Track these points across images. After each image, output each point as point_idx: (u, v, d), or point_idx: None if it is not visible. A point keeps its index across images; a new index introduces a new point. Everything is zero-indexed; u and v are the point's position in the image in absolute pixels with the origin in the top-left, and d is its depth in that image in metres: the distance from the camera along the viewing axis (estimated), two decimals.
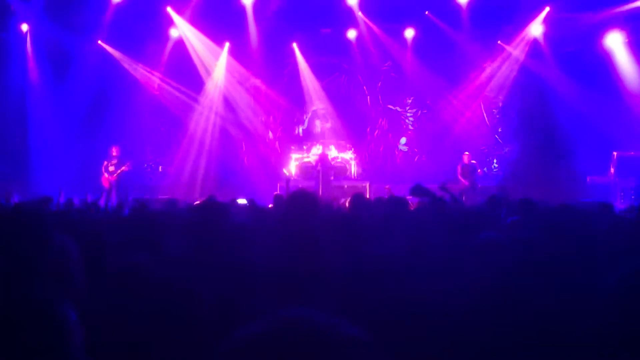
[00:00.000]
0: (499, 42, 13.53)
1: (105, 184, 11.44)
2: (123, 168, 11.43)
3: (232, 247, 2.74)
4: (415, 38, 13.76)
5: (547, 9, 12.67)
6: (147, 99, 13.92)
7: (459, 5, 12.94)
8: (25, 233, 1.77)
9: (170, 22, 13.46)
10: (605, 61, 12.72)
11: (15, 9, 12.37)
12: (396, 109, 14.48)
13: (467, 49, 13.49)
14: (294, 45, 13.98)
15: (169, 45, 13.74)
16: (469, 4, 12.89)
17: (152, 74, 13.84)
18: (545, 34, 13.06)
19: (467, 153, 12.22)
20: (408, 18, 13.43)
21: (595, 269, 2.24)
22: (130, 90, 13.60)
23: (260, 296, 2.32)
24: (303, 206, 2.77)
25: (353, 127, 14.45)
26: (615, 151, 11.83)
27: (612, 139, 12.14)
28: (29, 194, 9.33)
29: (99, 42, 13.08)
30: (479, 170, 12.20)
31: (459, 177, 11.94)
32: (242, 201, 7.56)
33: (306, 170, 13.93)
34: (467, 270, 2.22)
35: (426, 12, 13.20)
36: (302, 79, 14.27)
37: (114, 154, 11.58)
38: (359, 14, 13.40)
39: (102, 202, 8.82)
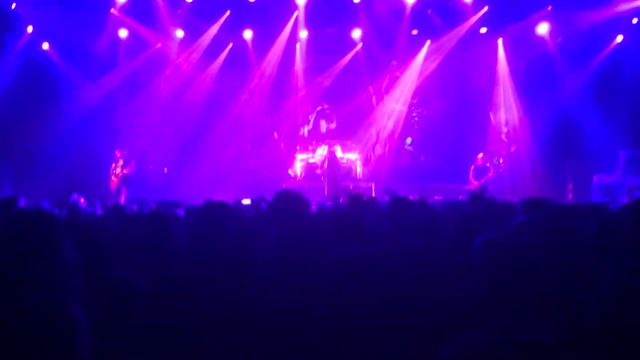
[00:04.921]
0: (499, 40, 13.47)
1: (113, 187, 11.52)
2: (124, 171, 11.49)
3: (232, 247, 2.76)
4: (418, 38, 13.69)
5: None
6: (153, 101, 13.95)
7: (462, 4, 12.85)
8: (37, 236, 1.79)
9: (172, 22, 13.40)
10: (613, 58, 12.68)
11: (20, 12, 12.27)
12: (402, 109, 14.44)
13: (471, 47, 13.44)
14: (297, 45, 13.95)
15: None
16: (473, 3, 12.81)
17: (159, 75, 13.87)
18: (551, 31, 12.97)
19: (481, 155, 12.13)
20: (411, 18, 13.35)
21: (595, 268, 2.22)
22: (136, 91, 13.59)
23: (259, 293, 2.33)
24: (289, 207, 2.78)
25: (358, 127, 14.43)
26: (622, 150, 11.74)
27: (620, 138, 12.08)
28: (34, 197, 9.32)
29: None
30: (490, 174, 11.93)
31: (470, 178, 11.93)
32: (246, 201, 7.59)
33: (312, 171, 13.93)
34: (465, 272, 2.21)
35: (428, 11, 13.13)
36: (307, 78, 14.28)
37: (119, 155, 11.64)
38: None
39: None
